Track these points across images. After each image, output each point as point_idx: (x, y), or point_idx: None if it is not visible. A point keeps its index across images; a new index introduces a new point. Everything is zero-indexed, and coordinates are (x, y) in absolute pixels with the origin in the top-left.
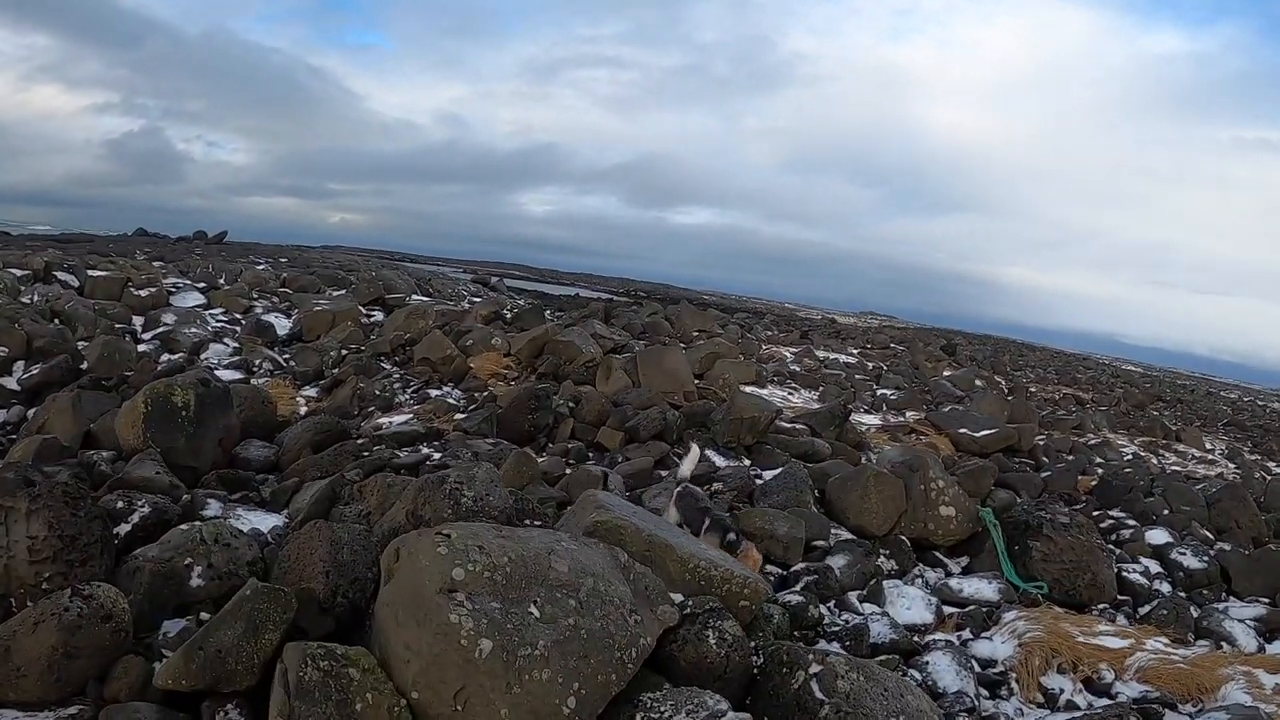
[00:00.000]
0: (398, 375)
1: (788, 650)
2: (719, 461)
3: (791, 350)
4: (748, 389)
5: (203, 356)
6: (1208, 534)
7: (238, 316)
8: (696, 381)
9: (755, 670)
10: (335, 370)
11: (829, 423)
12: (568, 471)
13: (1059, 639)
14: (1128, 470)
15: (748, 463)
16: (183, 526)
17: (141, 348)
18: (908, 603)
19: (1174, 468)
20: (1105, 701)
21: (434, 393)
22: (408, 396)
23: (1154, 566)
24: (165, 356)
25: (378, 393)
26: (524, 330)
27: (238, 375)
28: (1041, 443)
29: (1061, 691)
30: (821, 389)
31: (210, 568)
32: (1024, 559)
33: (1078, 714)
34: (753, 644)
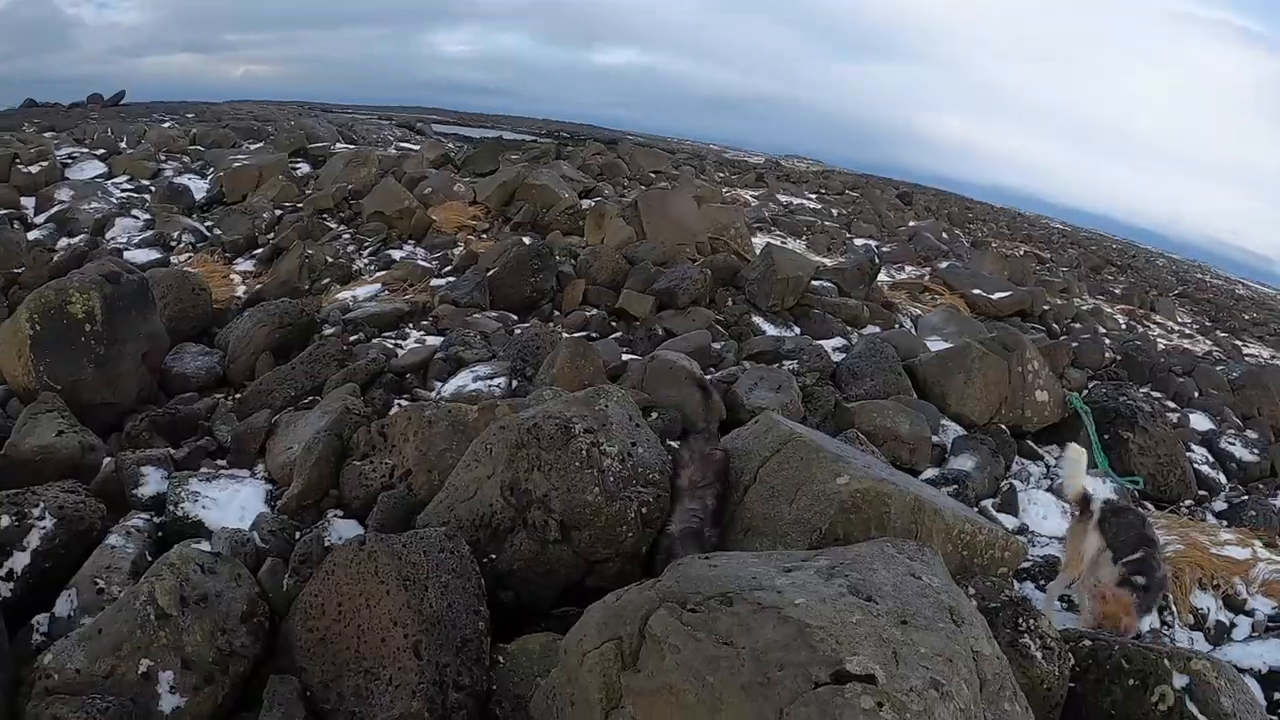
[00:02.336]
0: (348, 235)
1: (1126, 654)
2: (768, 329)
3: (753, 195)
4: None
5: (109, 235)
6: (1236, 420)
7: (145, 183)
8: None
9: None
10: (272, 236)
11: (858, 281)
12: (625, 359)
13: (1196, 551)
14: (1137, 343)
15: (797, 330)
16: (113, 543)
17: (33, 234)
18: (1042, 510)
19: (1162, 341)
20: (1244, 619)
21: (397, 254)
22: (367, 261)
23: (1203, 454)
24: (64, 242)
25: (330, 260)
26: (480, 175)
27: (154, 255)
28: (1048, 308)
29: (1208, 611)
30: (807, 238)
31: (187, 667)
32: (1118, 450)
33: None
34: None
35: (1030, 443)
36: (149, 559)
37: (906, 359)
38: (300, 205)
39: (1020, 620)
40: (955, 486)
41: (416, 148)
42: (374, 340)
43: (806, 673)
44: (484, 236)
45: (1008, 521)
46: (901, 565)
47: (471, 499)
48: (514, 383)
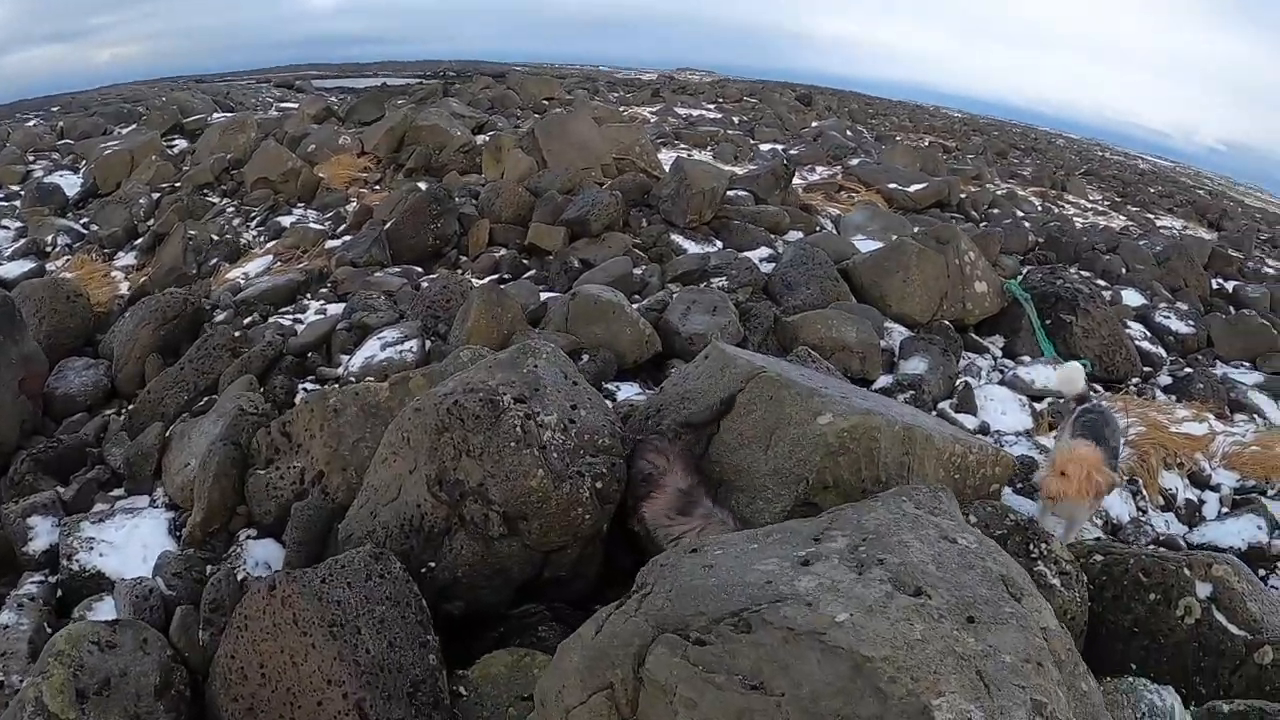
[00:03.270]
0: (233, 209)
1: (1143, 566)
2: (689, 247)
3: (650, 111)
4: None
5: None
6: (1166, 294)
7: (15, 188)
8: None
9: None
10: (151, 223)
11: (772, 186)
12: (544, 298)
13: (1158, 432)
14: (1057, 224)
15: (719, 244)
16: (4, 621)
17: None
18: (999, 405)
19: (1079, 220)
20: (1211, 495)
21: (286, 220)
22: (255, 233)
23: (1140, 330)
24: None
25: (216, 237)
26: (366, 124)
27: (29, 265)
28: (964, 196)
29: (1176, 492)
30: (712, 149)
31: None
32: (1062, 335)
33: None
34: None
35: (974, 336)
36: (49, 629)
37: (839, 263)
38: (178, 184)
39: (1031, 546)
40: (912, 393)
41: (296, 106)
42: (270, 320)
43: None
44: (377, 188)
45: (968, 422)
46: (930, 528)
47: (395, 500)
48: (426, 344)
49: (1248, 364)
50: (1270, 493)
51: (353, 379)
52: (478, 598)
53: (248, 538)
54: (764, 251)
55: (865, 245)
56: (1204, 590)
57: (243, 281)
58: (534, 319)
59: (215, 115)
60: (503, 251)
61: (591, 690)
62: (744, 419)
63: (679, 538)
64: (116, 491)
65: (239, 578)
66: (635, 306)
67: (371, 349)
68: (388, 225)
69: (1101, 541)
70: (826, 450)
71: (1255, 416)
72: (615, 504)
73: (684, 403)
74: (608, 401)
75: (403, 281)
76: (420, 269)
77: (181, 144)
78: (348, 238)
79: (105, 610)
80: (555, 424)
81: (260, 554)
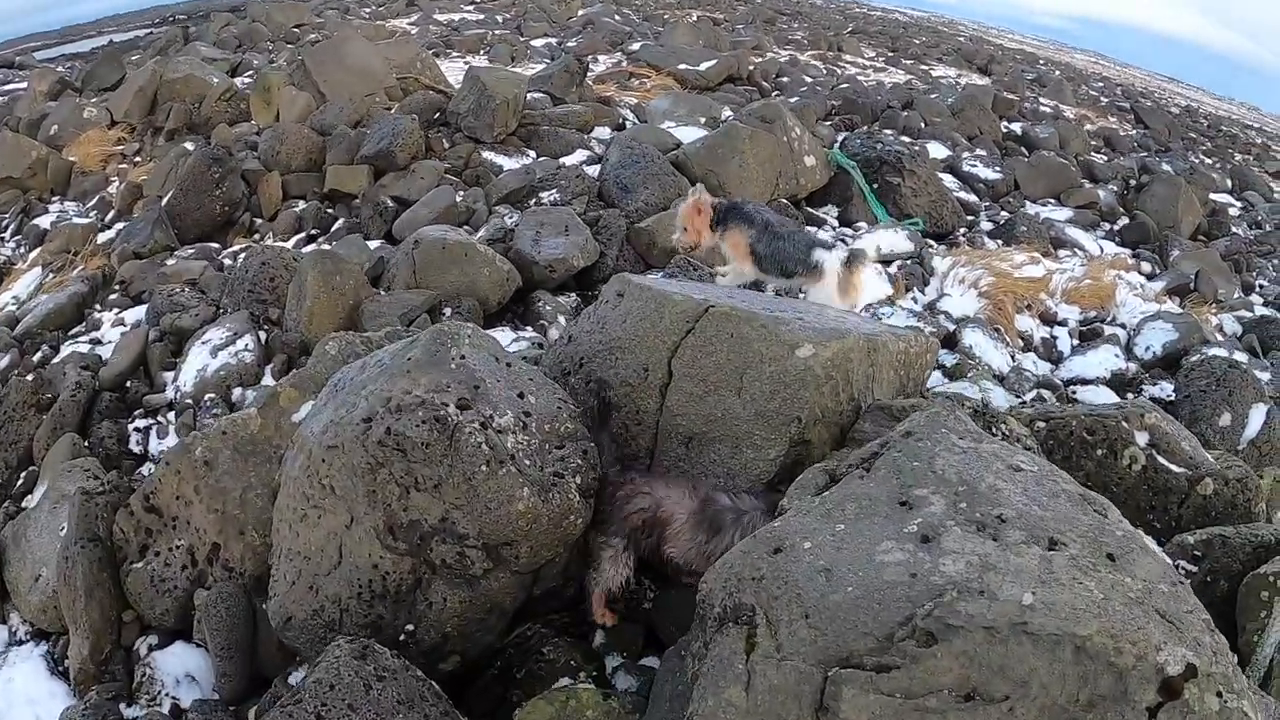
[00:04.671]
0: None
1: (1085, 425)
2: (505, 162)
3: (408, 23)
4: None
5: None
6: (965, 143)
7: None
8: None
9: None
10: None
11: (568, 84)
12: (378, 253)
13: (1004, 279)
14: (847, 85)
15: (533, 154)
16: None
17: None
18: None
19: (863, 79)
20: (1061, 330)
21: (44, 221)
22: (12, 245)
23: (953, 181)
24: None
25: None
26: (109, 90)
27: None
28: (753, 69)
29: (1032, 332)
30: (486, 52)
31: None
32: (891, 197)
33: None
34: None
35: (809, 209)
36: None
37: (667, 154)
38: None
39: (994, 429)
40: None
41: (24, 85)
42: (63, 349)
43: (1131, 702)
44: (138, 160)
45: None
46: (991, 459)
47: (339, 566)
48: (262, 336)
49: (1054, 201)
50: (1108, 320)
51: (190, 402)
52: (474, 645)
53: (151, 649)
54: (581, 155)
55: (680, 133)
56: (1143, 438)
57: (14, 309)
58: (374, 278)
59: None
60: (302, 205)
61: None
62: (704, 362)
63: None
64: None
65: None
66: (474, 237)
67: (200, 358)
68: (165, 201)
69: (1038, 408)
70: (815, 384)
71: (1076, 250)
72: (594, 494)
73: (612, 354)
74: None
75: (203, 264)
76: (216, 245)
77: None
78: (121, 225)
79: None
80: (513, 425)
81: (175, 667)
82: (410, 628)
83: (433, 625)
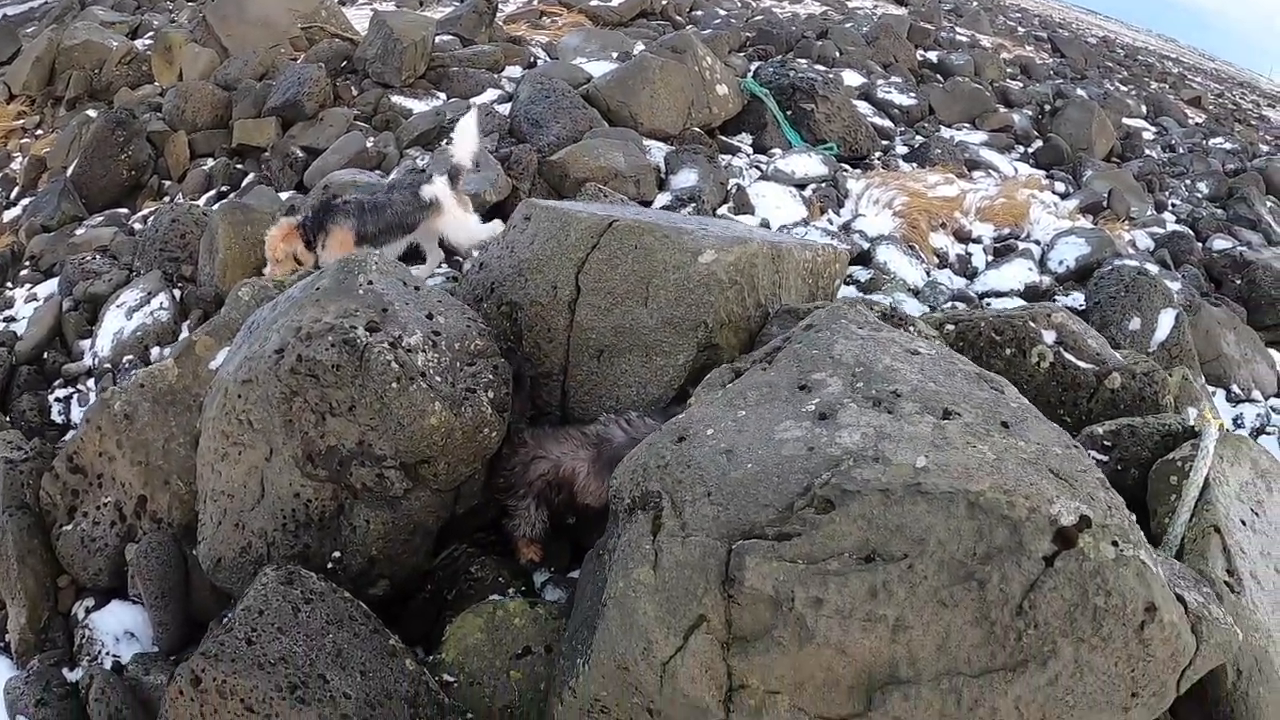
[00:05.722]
0: None
1: (994, 326)
2: (415, 106)
3: None
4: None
5: None
6: (881, 70)
7: None
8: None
9: None
10: None
11: (477, 25)
12: (289, 203)
13: (918, 199)
14: (761, 16)
15: (444, 97)
16: None
17: None
18: (772, 200)
19: (776, 9)
20: (976, 247)
21: None
22: None
23: (867, 108)
24: None
25: None
26: (8, 63)
27: None
28: (665, 2)
29: (946, 249)
30: None
31: None
32: (805, 123)
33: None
34: None
35: (723, 138)
36: None
37: (578, 89)
38: None
39: (909, 331)
40: (693, 205)
41: None
42: None
43: (1027, 551)
44: (40, 133)
45: (750, 222)
46: (889, 344)
47: (262, 499)
48: (176, 294)
49: (968, 125)
50: (1022, 237)
51: (109, 366)
52: (401, 567)
53: (88, 611)
54: (493, 94)
55: (592, 68)
56: (1050, 337)
57: None
58: None
59: None
60: (210, 162)
61: (684, 633)
62: (610, 276)
63: None
64: None
65: (106, 668)
66: (390, 180)
67: (116, 322)
68: (70, 171)
69: (947, 312)
70: (720, 288)
71: (990, 172)
72: (509, 410)
73: (522, 276)
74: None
75: (113, 230)
76: (125, 210)
77: None
78: (27, 200)
79: None
80: (422, 344)
81: (113, 626)
82: (337, 554)
83: (358, 550)
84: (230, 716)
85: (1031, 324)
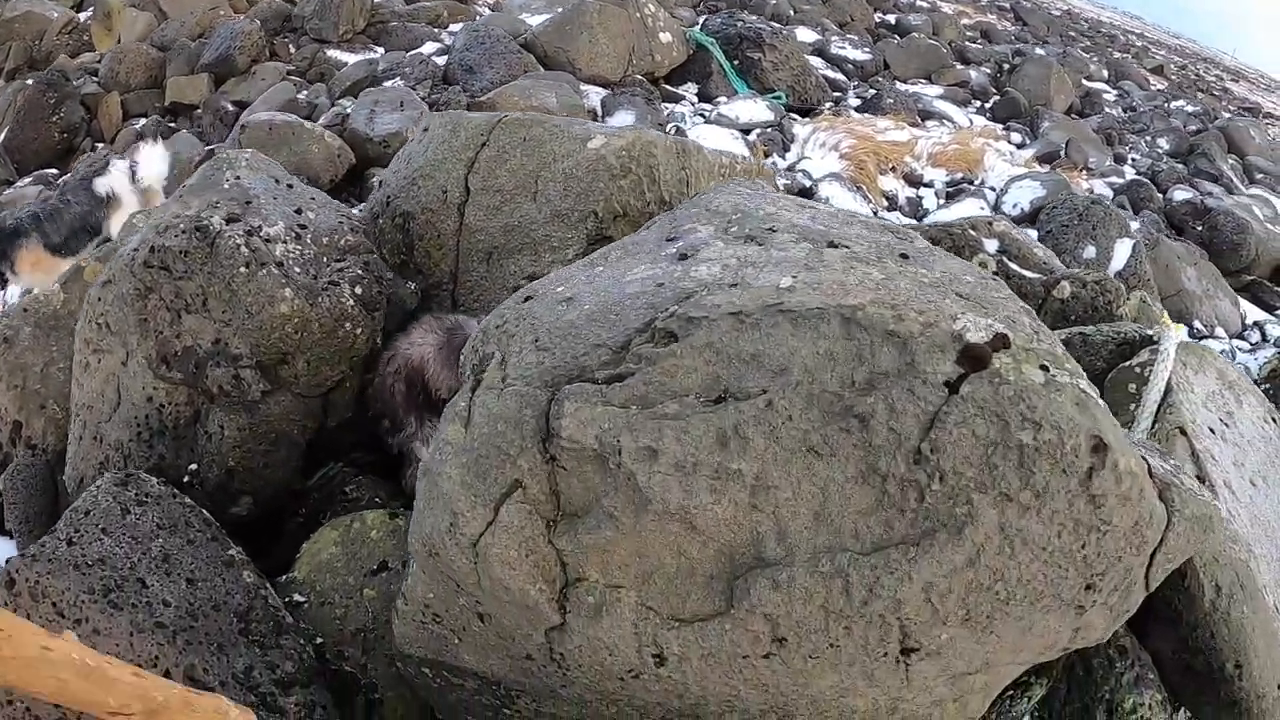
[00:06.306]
0: None
1: (931, 235)
2: (351, 59)
3: None
4: None
5: None
6: (836, 28)
7: None
8: None
9: None
10: None
11: None
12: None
13: (866, 141)
14: None
15: (381, 51)
16: None
17: None
18: (714, 143)
19: None
20: (927, 191)
21: None
22: None
23: (820, 63)
24: None
25: None
26: None
27: None
28: None
29: (896, 191)
30: None
31: None
32: (752, 72)
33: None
34: None
35: (667, 86)
36: None
37: (517, 38)
38: None
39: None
40: None
41: None
42: None
43: (922, 374)
44: None
45: None
46: (783, 201)
47: (118, 410)
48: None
49: (924, 80)
50: (975, 183)
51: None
52: (265, 483)
53: None
54: (433, 47)
55: (534, 20)
56: (992, 245)
57: None
58: None
59: None
60: (142, 121)
61: (495, 501)
62: (499, 172)
63: None
64: None
65: None
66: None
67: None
68: (3, 135)
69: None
70: (610, 174)
71: (944, 121)
72: (382, 311)
73: (414, 185)
74: None
75: (39, 189)
76: (55, 171)
77: None
78: None
79: None
80: (284, 234)
81: None
82: (194, 467)
83: (214, 460)
84: (41, 620)
85: (972, 232)
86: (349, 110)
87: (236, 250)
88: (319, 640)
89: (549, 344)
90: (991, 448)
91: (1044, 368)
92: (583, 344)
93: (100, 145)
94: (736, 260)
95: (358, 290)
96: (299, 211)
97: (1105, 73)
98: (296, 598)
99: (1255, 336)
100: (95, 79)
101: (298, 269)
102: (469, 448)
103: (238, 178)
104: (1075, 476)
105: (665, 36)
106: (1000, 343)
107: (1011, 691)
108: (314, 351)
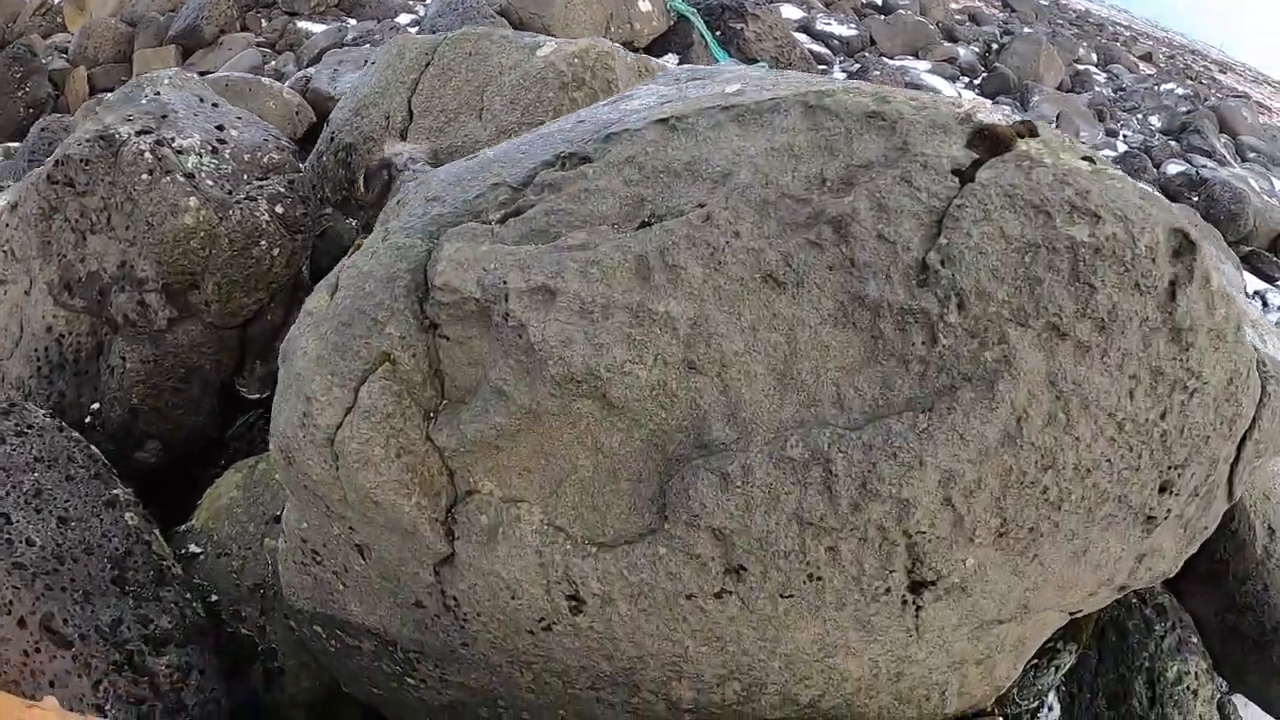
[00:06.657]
0: None
1: None
2: (321, 29)
3: None
4: None
5: None
6: (821, 6)
7: None
8: None
9: None
10: None
11: None
12: None
13: None
14: None
15: (354, 21)
16: None
17: None
18: None
19: None
20: None
21: None
22: None
23: (805, 39)
24: None
25: None
26: None
27: None
28: None
29: None
30: None
31: None
32: (735, 42)
33: None
34: None
35: (646, 55)
36: None
37: (493, 5)
38: None
39: None
40: None
41: None
42: None
43: (920, 158)
44: None
45: None
46: (734, 71)
47: (20, 343)
48: None
49: (912, 56)
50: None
51: None
52: (175, 426)
53: None
54: (407, 17)
55: None
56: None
57: None
58: None
59: None
60: (108, 95)
61: (356, 381)
62: (443, 91)
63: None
64: None
65: None
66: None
67: None
68: None
69: None
70: (560, 83)
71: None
72: (308, 234)
73: (358, 115)
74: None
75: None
76: (18, 145)
77: None
78: None
79: None
80: (199, 147)
81: None
82: (96, 406)
83: (117, 398)
84: None
85: None
86: (312, 72)
87: (140, 157)
88: (214, 598)
89: (439, 192)
90: (1030, 253)
91: (1088, 159)
92: (479, 185)
93: (68, 119)
94: (677, 93)
95: (278, 209)
96: (220, 128)
97: (1094, 56)
98: (193, 548)
99: (1257, 306)
100: (64, 56)
101: (210, 182)
102: (329, 316)
103: (157, 93)
104: (1154, 296)
105: (645, 5)
106: (1026, 129)
107: (1035, 660)
108: (224, 273)
